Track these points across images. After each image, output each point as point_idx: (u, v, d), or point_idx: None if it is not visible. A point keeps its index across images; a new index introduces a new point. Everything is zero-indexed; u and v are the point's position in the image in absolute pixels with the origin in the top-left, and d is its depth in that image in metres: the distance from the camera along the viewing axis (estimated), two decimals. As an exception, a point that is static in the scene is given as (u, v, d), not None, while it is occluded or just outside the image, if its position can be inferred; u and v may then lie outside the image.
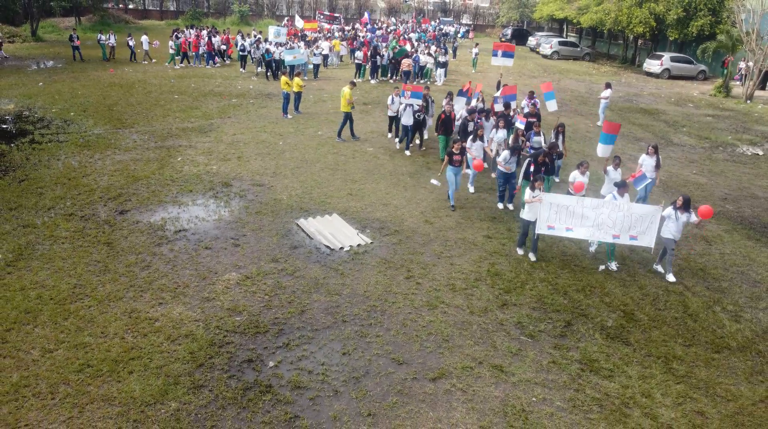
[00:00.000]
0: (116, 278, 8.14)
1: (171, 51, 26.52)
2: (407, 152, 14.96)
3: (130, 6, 48.44)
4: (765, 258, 10.28)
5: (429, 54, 25.77)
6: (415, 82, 24.88)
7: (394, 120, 15.86)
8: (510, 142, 12.30)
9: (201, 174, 12.55)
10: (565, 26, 49.13)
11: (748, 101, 26.04)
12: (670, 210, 8.99)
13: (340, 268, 8.81)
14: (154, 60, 27.68)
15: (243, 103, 19.80)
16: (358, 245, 9.60)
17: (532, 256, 9.50)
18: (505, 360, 6.87)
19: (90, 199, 10.91)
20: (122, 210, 10.50)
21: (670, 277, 9.13)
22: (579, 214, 8.99)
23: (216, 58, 27.75)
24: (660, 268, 9.40)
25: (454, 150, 10.97)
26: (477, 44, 33.74)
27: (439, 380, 6.44)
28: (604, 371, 6.79)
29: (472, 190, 12.50)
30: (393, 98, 15.52)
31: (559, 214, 9.04)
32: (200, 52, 27.25)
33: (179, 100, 19.74)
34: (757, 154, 17.50)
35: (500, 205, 11.74)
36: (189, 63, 27.19)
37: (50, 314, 7.19)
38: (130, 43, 27.04)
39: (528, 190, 9.18)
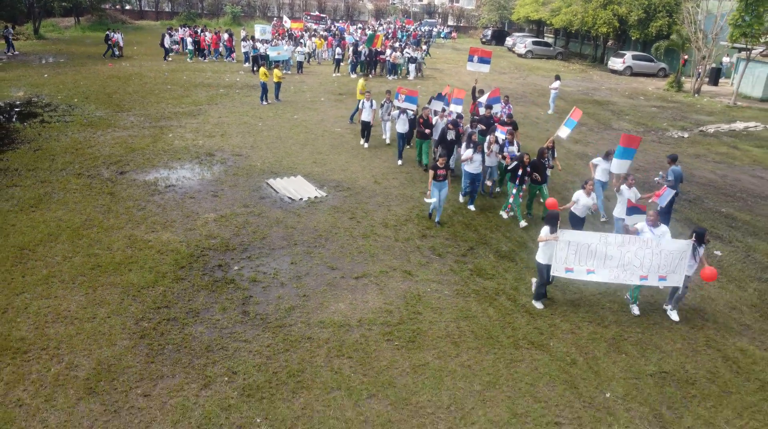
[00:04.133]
0: (117, 216, 10.31)
1: (189, 47, 29.47)
2: (399, 162, 14.32)
3: (127, 7, 50.50)
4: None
5: (400, 52, 27.97)
6: (391, 77, 27.17)
7: (368, 127, 15.42)
8: (486, 146, 11.85)
9: (188, 146, 14.72)
10: (543, 28, 51.53)
11: (696, 95, 28.40)
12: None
13: (298, 211, 11.01)
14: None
15: (230, 93, 21.98)
16: (315, 197, 11.80)
17: (538, 305, 8.21)
18: (414, 268, 9.08)
19: (94, 163, 13.07)
20: (122, 171, 12.68)
21: (674, 316, 8.17)
22: (602, 254, 7.85)
23: (233, 54, 30.25)
24: (672, 314, 8.24)
25: (439, 164, 10.34)
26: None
27: (361, 278, 8.64)
28: (487, 275, 9.01)
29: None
30: (363, 103, 15.16)
31: (578, 254, 7.85)
32: (219, 48, 30.13)
33: (172, 89, 21.90)
34: (683, 137, 19.80)
35: (461, 199, 11.94)
36: (205, 58, 29.85)
37: (67, 236, 9.36)
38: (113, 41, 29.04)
39: (545, 228, 7.89)
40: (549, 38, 49.54)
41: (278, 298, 7.97)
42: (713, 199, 13.52)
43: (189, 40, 29.53)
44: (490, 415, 6.02)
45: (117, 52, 28.87)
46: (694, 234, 7.86)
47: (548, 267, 7.95)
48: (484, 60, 17.60)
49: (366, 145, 15.58)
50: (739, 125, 22.14)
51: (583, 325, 7.81)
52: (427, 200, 10.84)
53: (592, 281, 8.12)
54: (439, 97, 15.46)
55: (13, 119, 16.51)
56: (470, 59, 17.60)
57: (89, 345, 6.71)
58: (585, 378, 6.72)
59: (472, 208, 11.69)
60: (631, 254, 7.82)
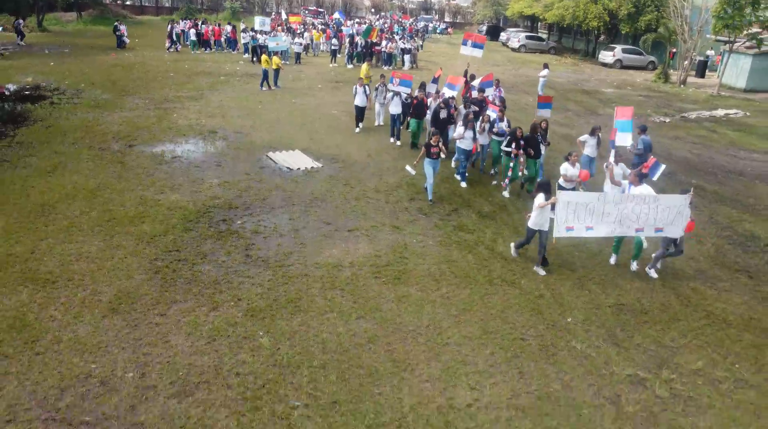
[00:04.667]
0: (128, 180, 11.14)
1: (192, 38, 30.48)
2: (398, 143, 15.02)
3: (128, 2, 51.27)
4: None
5: (394, 41, 28.85)
6: (387, 68, 28.02)
7: (362, 111, 15.88)
8: (478, 124, 12.28)
9: (192, 125, 15.54)
10: (537, 23, 52.46)
11: (682, 86, 29.32)
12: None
13: (296, 179, 11.85)
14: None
15: (230, 80, 22.81)
16: (312, 168, 12.63)
17: (541, 271, 8.56)
18: (402, 224, 9.92)
19: (104, 138, 13.88)
20: (130, 144, 13.50)
21: (653, 274, 8.69)
22: (600, 212, 8.21)
23: (238, 45, 31.21)
24: (654, 273, 8.74)
25: (432, 142, 10.68)
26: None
27: (353, 231, 9.48)
28: (468, 230, 9.86)
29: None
30: (356, 88, 15.65)
31: (577, 213, 8.22)
32: (222, 40, 31.12)
33: (174, 77, 22.71)
34: (664, 121, 20.70)
35: (463, 185, 12.11)
36: (207, 49, 30.84)
37: (83, 196, 10.18)
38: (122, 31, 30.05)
39: (540, 196, 8.25)
40: (543, 34, 50.48)
41: (278, 245, 8.81)
42: (686, 173, 14.39)
43: (192, 31, 30.37)
44: (463, 332, 6.87)
45: (126, 39, 29.89)
46: (692, 189, 8.40)
47: (535, 231, 8.43)
48: (477, 45, 18.39)
49: (358, 129, 16.03)
50: (720, 112, 23.05)
51: (553, 268, 8.66)
52: (408, 168, 11.51)
53: (591, 237, 8.52)
54: (434, 80, 16.32)
55: (24, 101, 17.32)
56: (464, 43, 18.37)
57: (110, 278, 7.54)
58: (550, 307, 7.57)
59: (464, 185, 12.10)
60: (628, 210, 8.19)
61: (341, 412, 5.45)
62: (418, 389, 5.84)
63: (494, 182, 12.45)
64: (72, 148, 12.99)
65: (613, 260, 8.99)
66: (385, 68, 27.95)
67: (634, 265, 8.82)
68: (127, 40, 29.98)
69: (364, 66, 18.54)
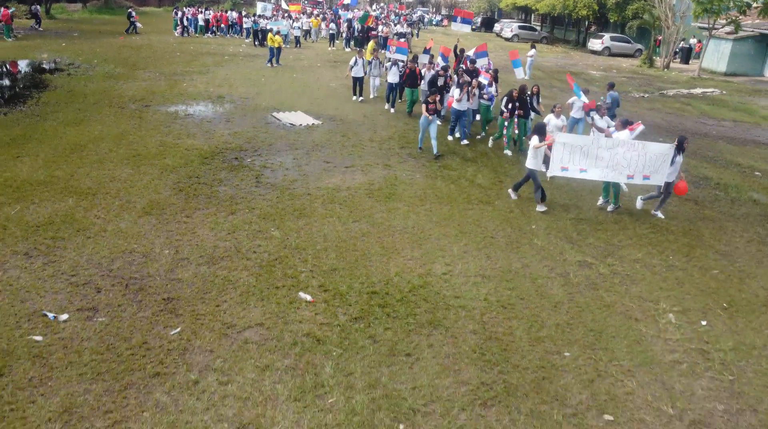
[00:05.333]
0: (148, 130, 12.38)
1: (201, 23, 31.97)
2: (392, 110, 15.83)
3: (131, -7, 52.37)
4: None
5: (389, 26, 30.14)
6: (382, 51, 29.25)
7: (358, 81, 16.73)
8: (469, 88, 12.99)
9: (201, 92, 16.79)
10: (530, 15, 53.80)
11: (665, 70, 30.64)
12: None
13: (298, 132, 13.11)
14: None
15: (234, 59, 24.05)
16: (313, 124, 13.89)
17: (541, 208, 9.18)
18: (393, 163, 11.19)
19: (121, 100, 15.12)
20: (146, 105, 14.75)
21: (659, 214, 9.33)
22: (594, 155, 8.81)
23: (243, 31, 32.46)
24: (660, 214, 9.40)
25: (429, 100, 11.65)
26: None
27: (349, 168, 10.74)
28: (452, 169, 11.14)
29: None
30: (357, 60, 16.46)
31: (573, 154, 8.83)
32: (228, 25, 32.47)
33: (181, 56, 23.94)
34: (643, 97, 22.01)
35: (450, 137, 13.17)
36: (214, 35, 32.08)
37: (110, 140, 11.42)
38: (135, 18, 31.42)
39: (535, 137, 8.93)
40: (536, 25, 51.78)
41: (284, 175, 10.07)
42: (654, 134, 15.65)
43: (200, 17, 31.51)
44: (442, 232, 8.14)
45: (138, 24, 31.24)
46: (680, 139, 8.95)
47: (536, 172, 9.10)
48: (466, 21, 19.85)
49: (356, 98, 17.05)
50: (698, 91, 24.36)
51: (524, 195, 9.93)
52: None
53: (585, 179, 9.14)
54: (426, 51, 17.65)
55: (43, 72, 18.56)
56: (454, 20, 19.82)
57: (140, 192, 8.79)
58: (517, 218, 8.85)
59: (465, 142, 12.99)
60: (619, 156, 8.76)
61: (339, 275, 6.72)
62: (402, 264, 7.11)
63: (479, 136, 13.72)
64: (93, 107, 14.22)
65: (611, 208, 9.46)
66: (381, 52, 29.18)
67: (611, 207, 9.49)
68: (140, 25, 31.27)
69: (371, 44, 19.84)
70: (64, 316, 5.58)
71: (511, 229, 8.45)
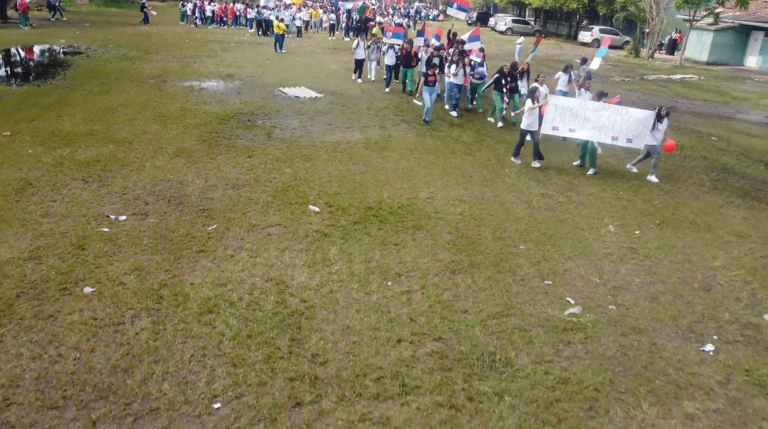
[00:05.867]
0: (168, 98, 13.82)
1: (208, 14, 33.69)
2: (387, 89, 16.87)
3: (135, -12, 53.67)
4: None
5: (387, 16, 31.58)
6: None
7: (359, 62, 18.08)
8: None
9: (212, 71, 18.22)
10: (524, 9, 55.27)
11: (650, 59, 32.12)
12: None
13: (303, 102, 14.55)
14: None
15: (240, 46, 25.47)
16: (315, 97, 15.34)
17: (536, 164, 10.25)
18: (388, 126, 12.63)
19: (140, 77, 16.54)
20: (163, 80, 16.18)
21: (653, 178, 10.05)
22: (582, 117, 9.83)
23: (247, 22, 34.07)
24: (633, 169, 10.48)
25: (429, 73, 12.98)
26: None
27: (349, 128, 12.19)
28: (440, 130, 12.59)
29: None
30: (359, 42, 17.88)
31: (563, 115, 9.83)
32: (233, 18, 34.09)
33: (189, 43, 25.36)
34: (624, 80, 23.49)
35: (453, 113, 14.11)
36: (221, 26, 33.77)
37: (136, 105, 12.85)
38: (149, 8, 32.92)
39: (528, 101, 9.93)
40: (530, 19, 53.24)
41: (291, 132, 11.52)
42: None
43: (209, 8, 32.93)
44: (428, 172, 9.58)
45: (153, 12, 32.80)
46: (658, 108, 9.91)
47: (527, 132, 10.16)
48: (461, 8, 21.07)
49: (355, 77, 18.46)
50: (677, 76, 25.84)
51: (502, 148, 11.37)
52: (416, 102, 13.95)
53: (573, 138, 10.27)
54: (420, 33, 19.05)
55: (64, 54, 19.99)
56: (450, 6, 21.16)
57: (169, 142, 10.23)
58: (494, 166, 10.30)
59: (454, 113, 14.16)
60: (604, 118, 9.72)
61: (341, 197, 8.17)
62: (393, 191, 8.56)
63: (468, 107, 15.16)
64: (115, 81, 15.64)
65: (591, 171, 10.25)
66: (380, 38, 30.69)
67: (591, 171, 10.25)
68: (155, 13, 32.84)
69: (376, 28, 21.37)
70: (123, 217, 7.02)
71: (487, 171, 9.90)
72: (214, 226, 6.93)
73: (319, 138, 11.24)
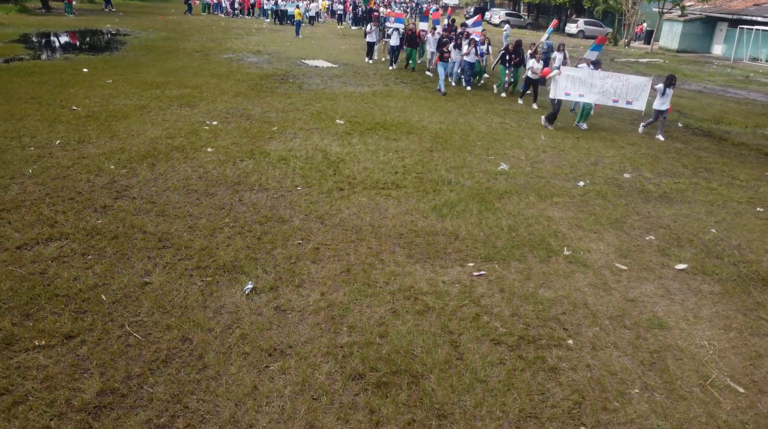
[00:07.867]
0: (215, 65, 17.41)
1: (226, 6, 37.44)
2: (392, 67, 19.50)
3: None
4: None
5: (390, 6, 35.11)
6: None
7: (372, 46, 20.74)
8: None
9: (243, 48, 21.84)
10: (519, 4, 58.78)
11: (626, 47, 35.62)
12: (660, 86, 11.36)
13: (322, 70, 18.14)
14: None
15: (260, 32, 29.09)
16: (331, 67, 18.92)
17: (549, 126, 12.28)
18: (390, 84, 16.19)
19: (187, 51, 20.14)
20: (206, 54, 19.78)
21: (660, 137, 11.86)
22: (589, 84, 11.66)
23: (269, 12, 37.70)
24: (661, 137, 11.98)
25: (444, 49, 15.46)
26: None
27: (360, 85, 15.77)
28: (433, 90, 16.14)
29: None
30: (371, 26, 20.68)
31: (574, 83, 11.63)
32: (252, 9, 37.82)
33: (215, 29, 28.98)
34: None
35: (468, 88, 16.43)
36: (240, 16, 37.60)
37: (192, 68, 16.44)
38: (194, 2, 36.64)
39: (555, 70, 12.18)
40: (523, 13, 56.77)
41: (316, 86, 15.12)
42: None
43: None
44: (419, 108, 13.15)
45: (197, 1, 36.57)
46: (667, 77, 11.43)
47: (553, 101, 12.08)
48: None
49: (368, 60, 21.53)
50: (644, 60, 29.33)
51: (477, 99, 14.92)
52: (428, 74, 17.77)
53: (582, 102, 12.24)
54: (423, 19, 22.58)
55: (115, 35, 23.60)
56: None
57: (228, 88, 13.82)
58: (468, 108, 13.86)
59: (468, 88, 16.54)
60: (608, 85, 11.70)
61: (357, 118, 11.75)
62: (393, 116, 12.13)
63: (467, 86, 18.70)
64: (168, 53, 19.25)
65: (584, 126, 12.62)
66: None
67: (584, 125, 12.63)
68: (198, 2, 36.61)
69: (390, 9, 25.01)
70: (215, 122, 10.61)
71: (463, 110, 13.49)
72: (275, 128, 10.52)
73: (338, 89, 14.83)
